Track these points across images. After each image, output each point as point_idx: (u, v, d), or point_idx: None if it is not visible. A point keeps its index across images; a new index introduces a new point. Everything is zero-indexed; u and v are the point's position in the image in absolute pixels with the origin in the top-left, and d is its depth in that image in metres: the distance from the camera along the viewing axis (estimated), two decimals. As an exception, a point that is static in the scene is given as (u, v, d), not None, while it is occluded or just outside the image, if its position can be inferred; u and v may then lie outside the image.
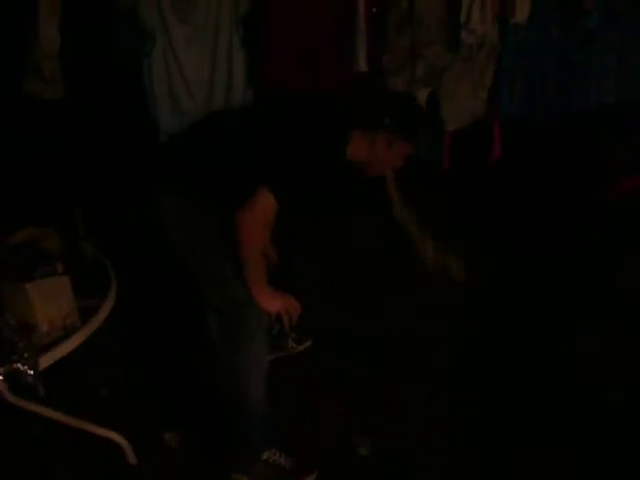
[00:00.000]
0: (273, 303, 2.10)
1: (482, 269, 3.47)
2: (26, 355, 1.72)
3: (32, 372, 1.71)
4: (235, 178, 2.09)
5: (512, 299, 3.26)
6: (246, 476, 2.21)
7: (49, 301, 1.83)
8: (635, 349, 2.80)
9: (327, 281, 3.42)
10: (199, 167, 2.12)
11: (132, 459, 2.30)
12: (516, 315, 3.12)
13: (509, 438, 2.37)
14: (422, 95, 3.30)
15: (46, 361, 1.77)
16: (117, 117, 3.27)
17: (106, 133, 3.35)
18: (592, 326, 2.94)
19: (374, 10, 3.48)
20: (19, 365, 1.71)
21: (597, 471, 2.22)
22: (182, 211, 2.09)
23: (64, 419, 2.26)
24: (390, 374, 2.77)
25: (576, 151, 3.73)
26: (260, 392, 2.17)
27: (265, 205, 1.97)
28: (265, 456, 2.21)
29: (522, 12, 3.43)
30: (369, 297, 3.34)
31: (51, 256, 2.00)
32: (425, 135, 2.24)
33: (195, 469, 2.29)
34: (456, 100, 3.33)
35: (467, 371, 2.78)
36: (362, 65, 3.35)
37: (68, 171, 3.42)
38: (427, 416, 2.52)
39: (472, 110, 3.49)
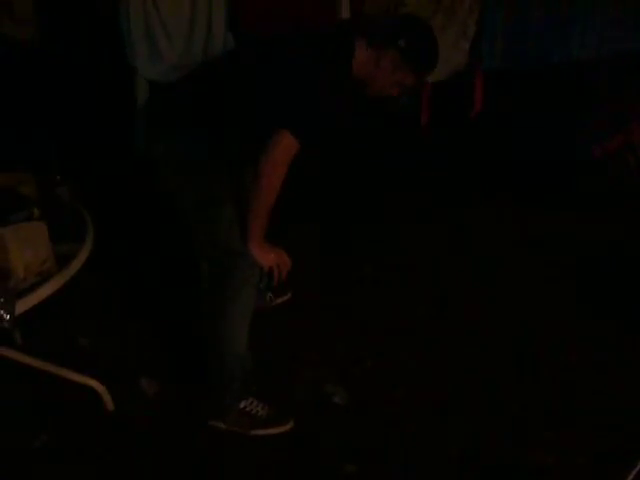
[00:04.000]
0: (268, 257, 2.08)
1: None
2: (2, 300, 1.70)
3: (8, 317, 1.69)
4: (244, 120, 2.04)
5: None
6: (223, 423, 2.24)
7: (25, 246, 1.79)
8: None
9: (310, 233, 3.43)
10: (205, 111, 2.04)
11: (110, 406, 2.31)
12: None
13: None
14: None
15: (22, 306, 1.75)
16: (93, 60, 3.20)
17: (82, 77, 3.28)
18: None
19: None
20: (-5, 310, 1.68)
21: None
22: (184, 157, 2.03)
23: (42, 366, 2.26)
24: (364, 324, 2.80)
25: (557, 106, 3.72)
26: (243, 343, 2.18)
27: (286, 145, 1.91)
28: (242, 405, 2.24)
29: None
30: (351, 249, 3.36)
31: (27, 201, 1.97)
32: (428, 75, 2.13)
33: (173, 415, 2.31)
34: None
35: (447, 324, 2.83)
36: (344, 12, 3.29)
37: (44, 115, 3.35)
38: (403, 367, 2.56)
39: (453, 61, 3.46)
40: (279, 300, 2.93)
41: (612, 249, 3.29)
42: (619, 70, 3.64)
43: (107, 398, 2.31)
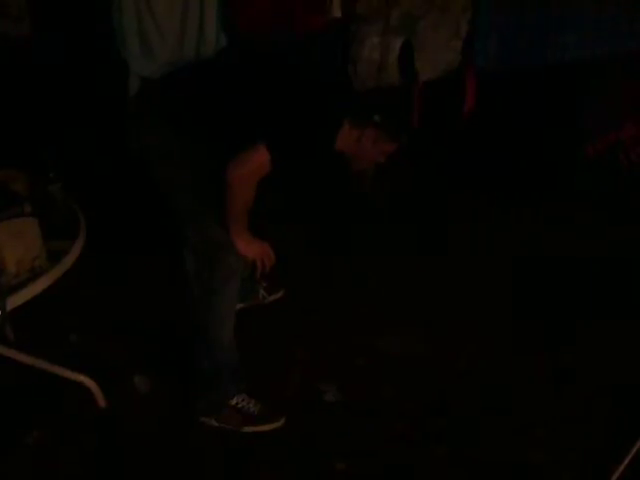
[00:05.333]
0: (250, 248, 2.10)
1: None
2: (-7, 296, 1.71)
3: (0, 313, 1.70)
4: (232, 123, 2.05)
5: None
6: (214, 419, 2.24)
7: (17, 242, 1.80)
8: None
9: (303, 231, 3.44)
10: (198, 105, 2.06)
11: (101, 402, 2.31)
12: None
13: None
14: (396, 44, 3.26)
15: (14, 302, 1.76)
16: (86, 56, 3.20)
17: (75, 72, 3.27)
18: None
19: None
20: (-15, 306, 1.69)
21: None
22: (174, 146, 2.04)
23: (34, 362, 2.26)
24: (356, 323, 2.80)
25: (551, 106, 3.72)
26: (229, 337, 2.20)
27: (259, 162, 1.93)
28: (234, 401, 2.25)
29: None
30: (343, 249, 3.36)
31: (19, 198, 1.97)
32: (408, 135, 2.21)
33: (164, 413, 2.32)
34: (430, 50, 3.29)
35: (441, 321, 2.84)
36: (336, 11, 3.29)
37: (37, 112, 3.34)
38: (395, 365, 2.57)
39: (445, 60, 3.46)
40: (272, 297, 2.93)
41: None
42: (613, 70, 3.65)
43: (99, 395, 2.31)
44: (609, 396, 2.39)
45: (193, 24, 2.89)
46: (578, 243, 3.35)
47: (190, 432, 2.24)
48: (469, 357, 2.61)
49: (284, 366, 2.55)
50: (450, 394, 2.43)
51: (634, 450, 2.04)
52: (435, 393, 2.44)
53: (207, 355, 2.21)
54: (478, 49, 3.53)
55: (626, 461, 2.00)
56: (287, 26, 2.95)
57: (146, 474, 2.09)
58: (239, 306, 2.43)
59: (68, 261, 1.97)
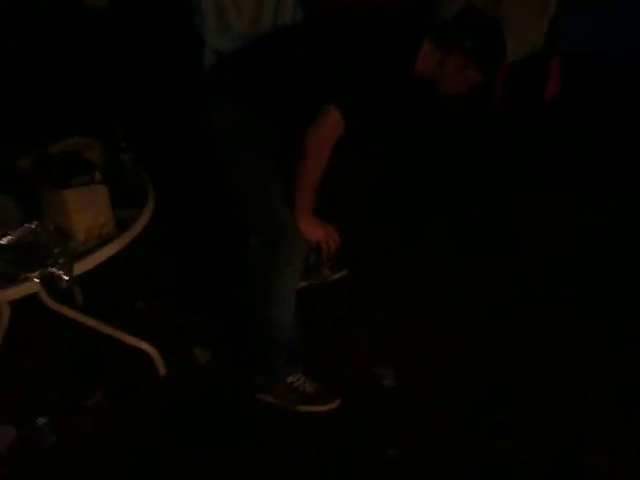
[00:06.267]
0: (315, 232, 2.07)
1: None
2: (61, 261, 1.74)
3: (67, 277, 1.73)
4: (298, 95, 2.03)
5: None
6: (271, 396, 2.25)
7: (86, 209, 1.83)
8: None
9: (367, 211, 3.40)
10: (262, 83, 2.05)
11: (162, 370, 2.36)
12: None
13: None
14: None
15: (81, 268, 1.79)
16: (162, 30, 3.23)
17: (150, 46, 3.31)
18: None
19: None
20: (54, 270, 1.73)
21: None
22: (238, 127, 2.04)
23: (98, 326, 2.32)
24: (419, 307, 2.75)
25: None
26: (290, 316, 2.18)
27: (331, 122, 1.90)
28: (290, 380, 2.25)
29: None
30: (408, 230, 3.31)
31: (91, 165, 2.00)
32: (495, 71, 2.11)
33: (221, 386, 2.34)
34: (516, 29, 3.15)
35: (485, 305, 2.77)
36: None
37: (112, 81, 3.40)
38: (454, 352, 2.52)
39: (531, 41, 3.33)
40: (336, 276, 2.91)
41: None
42: None
43: (160, 363, 2.36)
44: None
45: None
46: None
47: (244, 406, 2.25)
48: (537, 352, 2.53)
49: (343, 347, 2.53)
50: (515, 387, 2.36)
51: None
52: (501, 385, 2.37)
53: (266, 333, 2.20)
54: (566, 31, 3.38)
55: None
56: (364, 2, 2.89)
57: (197, 443, 2.11)
58: (302, 284, 2.43)
59: (135, 230, 1.99)
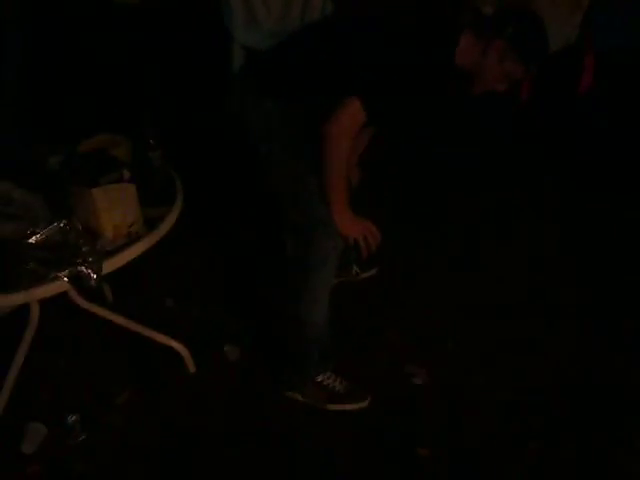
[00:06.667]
0: (353, 228, 2.02)
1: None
2: (90, 259, 1.74)
3: (95, 276, 1.73)
4: (330, 89, 1.97)
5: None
6: (300, 395, 2.24)
7: (114, 207, 1.83)
8: None
9: (400, 208, 3.36)
10: (298, 80, 2.02)
11: (191, 368, 2.36)
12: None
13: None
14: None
15: (109, 266, 1.79)
16: (190, 26, 3.22)
17: (179, 40, 3.31)
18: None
19: None
20: (83, 268, 1.73)
21: None
22: (272, 123, 2.01)
23: (128, 324, 2.32)
24: (449, 306, 2.72)
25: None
26: (323, 315, 2.15)
27: (350, 112, 1.85)
28: (320, 378, 2.23)
29: None
30: (437, 228, 3.27)
31: (119, 163, 1.99)
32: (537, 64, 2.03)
33: (251, 384, 2.33)
34: (549, 22, 3.09)
35: (520, 305, 2.73)
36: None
37: (140, 79, 3.40)
38: (486, 352, 2.48)
39: (565, 34, 3.26)
40: (365, 275, 2.88)
41: None
42: None
43: (189, 361, 2.36)
44: None
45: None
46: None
47: (274, 405, 2.24)
48: (570, 354, 2.48)
49: (373, 345, 2.50)
50: (549, 390, 2.31)
51: None
52: (533, 387, 2.32)
53: (298, 332, 2.18)
54: (600, 24, 3.30)
55: None
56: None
57: (225, 441, 2.10)
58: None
59: (164, 228, 1.98)
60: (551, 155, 3.78)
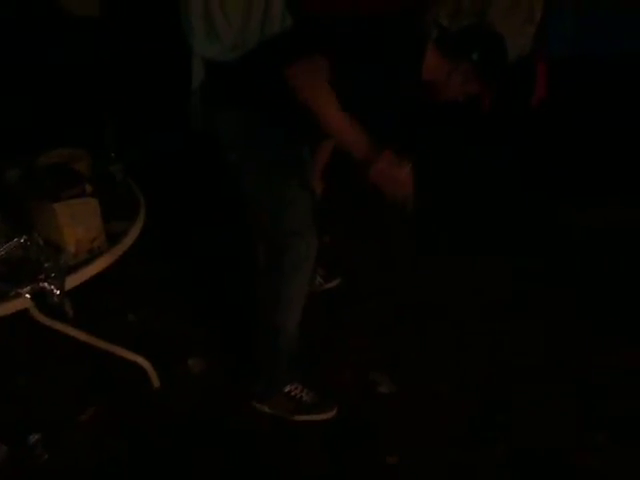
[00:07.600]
0: (382, 177, 1.80)
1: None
2: (53, 275, 1.72)
3: (58, 292, 1.71)
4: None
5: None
6: (267, 406, 2.23)
7: (76, 222, 1.81)
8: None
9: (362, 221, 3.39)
10: (260, 85, 1.99)
11: (155, 383, 2.33)
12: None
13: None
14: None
15: (72, 282, 1.77)
16: (151, 38, 3.21)
17: (139, 53, 3.29)
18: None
19: None
20: (45, 284, 1.70)
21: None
22: (238, 132, 2.01)
23: (90, 340, 2.28)
24: (413, 314, 2.74)
25: (627, 96, 3.55)
26: (294, 325, 2.15)
27: (313, 58, 1.78)
28: (287, 389, 2.23)
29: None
30: (403, 242, 3.30)
31: (81, 178, 1.97)
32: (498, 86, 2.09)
33: (217, 396, 2.31)
34: (503, 32, 3.18)
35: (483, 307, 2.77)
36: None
37: (101, 92, 3.37)
38: (451, 360, 2.51)
39: (518, 45, 3.35)
40: (328, 285, 2.89)
41: None
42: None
43: (153, 375, 2.33)
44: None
45: (259, 5, 2.86)
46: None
47: (240, 417, 2.23)
48: (533, 353, 2.53)
49: (338, 354, 2.51)
50: (512, 391, 2.36)
51: None
52: (496, 389, 2.37)
53: (268, 341, 2.17)
54: (552, 35, 3.40)
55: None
56: (352, 7, 2.89)
57: (193, 454, 2.08)
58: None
59: (126, 243, 1.97)
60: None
